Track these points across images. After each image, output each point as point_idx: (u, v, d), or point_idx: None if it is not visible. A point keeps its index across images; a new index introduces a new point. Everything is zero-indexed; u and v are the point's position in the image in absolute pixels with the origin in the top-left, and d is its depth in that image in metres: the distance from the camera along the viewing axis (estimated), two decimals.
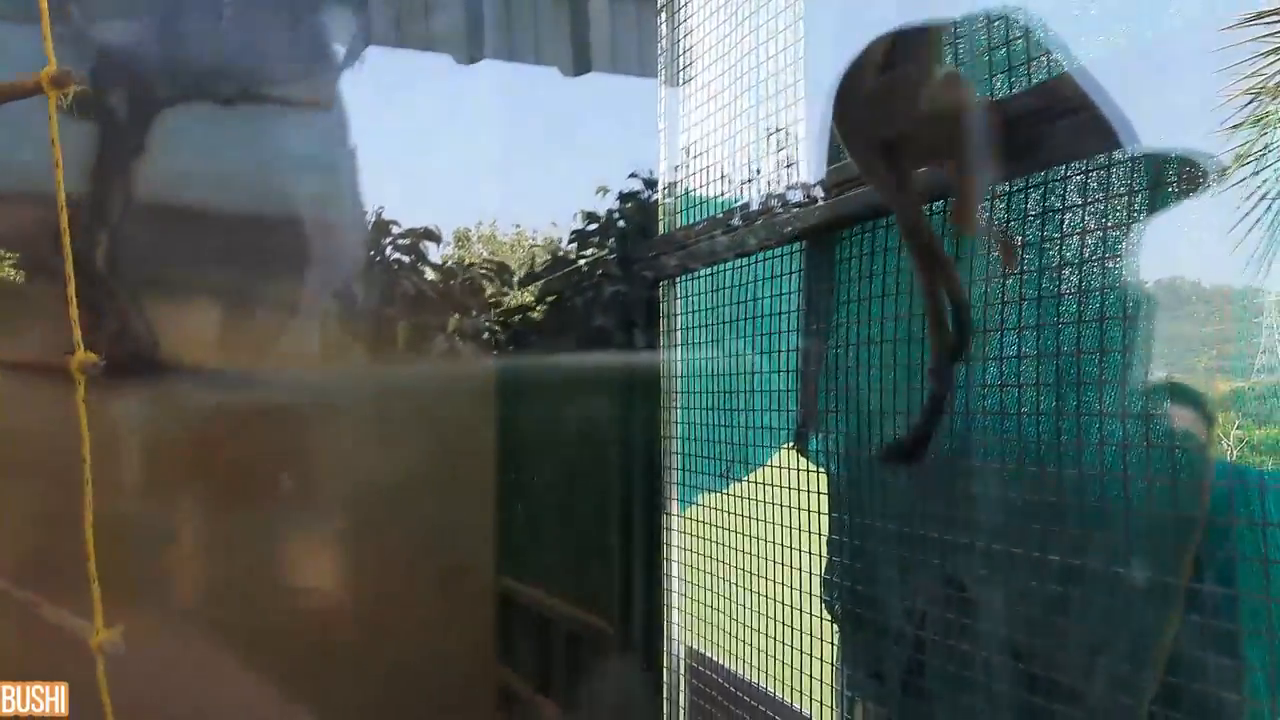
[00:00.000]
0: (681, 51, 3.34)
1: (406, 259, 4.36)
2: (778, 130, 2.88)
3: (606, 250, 4.55)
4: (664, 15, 3.46)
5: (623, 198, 4.54)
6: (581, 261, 4.62)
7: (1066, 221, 1.68)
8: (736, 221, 2.68)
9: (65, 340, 1.80)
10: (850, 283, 2.16)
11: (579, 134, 4.49)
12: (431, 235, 4.42)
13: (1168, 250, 1.70)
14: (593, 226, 4.66)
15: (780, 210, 2.64)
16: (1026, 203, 1.75)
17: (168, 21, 3.32)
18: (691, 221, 3.11)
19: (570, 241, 4.73)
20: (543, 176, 4.77)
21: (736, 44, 3.03)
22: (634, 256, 3.87)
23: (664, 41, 3.42)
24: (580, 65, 3.54)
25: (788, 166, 2.83)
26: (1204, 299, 2.24)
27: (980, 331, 1.79)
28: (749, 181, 3.00)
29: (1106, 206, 1.61)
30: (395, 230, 4.32)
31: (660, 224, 3.42)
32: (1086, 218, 1.65)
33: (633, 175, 4.42)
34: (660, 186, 3.46)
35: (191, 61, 3.34)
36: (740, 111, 3.06)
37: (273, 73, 3.47)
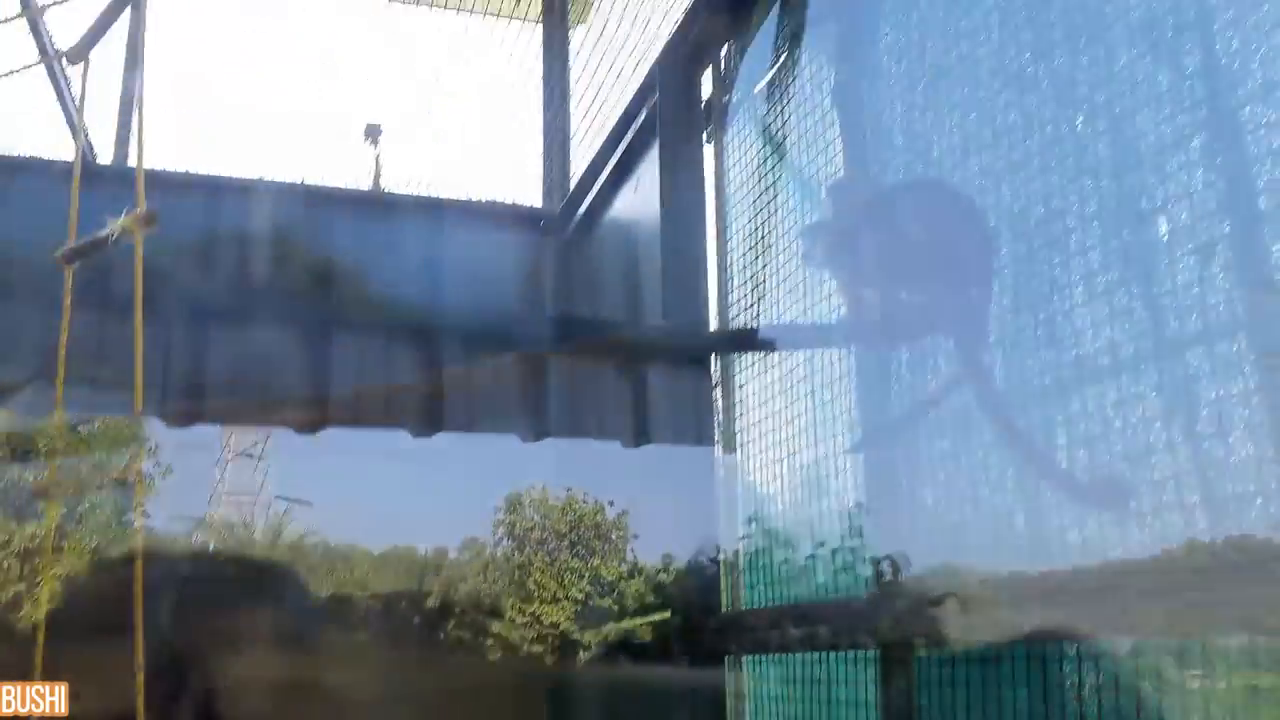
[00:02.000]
0: (738, 424, 3.41)
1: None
2: (837, 503, 2.86)
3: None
4: (719, 390, 3.57)
5: (686, 571, 4.49)
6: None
7: None
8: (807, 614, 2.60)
9: None
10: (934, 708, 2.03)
11: (639, 504, 4.53)
12: None
13: None
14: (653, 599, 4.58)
15: (850, 602, 2.56)
16: None
17: None
18: (758, 603, 3.02)
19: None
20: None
21: (792, 418, 3.09)
22: (698, 631, 3.76)
23: (720, 415, 3.51)
24: (640, 438, 3.65)
25: (850, 546, 2.78)
26: None
27: None
28: (813, 557, 2.94)
29: None
30: None
31: (724, 595, 3.33)
32: None
33: (696, 549, 4.39)
34: (723, 558, 3.41)
35: None
36: (797, 480, 3.06)
37: None
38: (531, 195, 5.39)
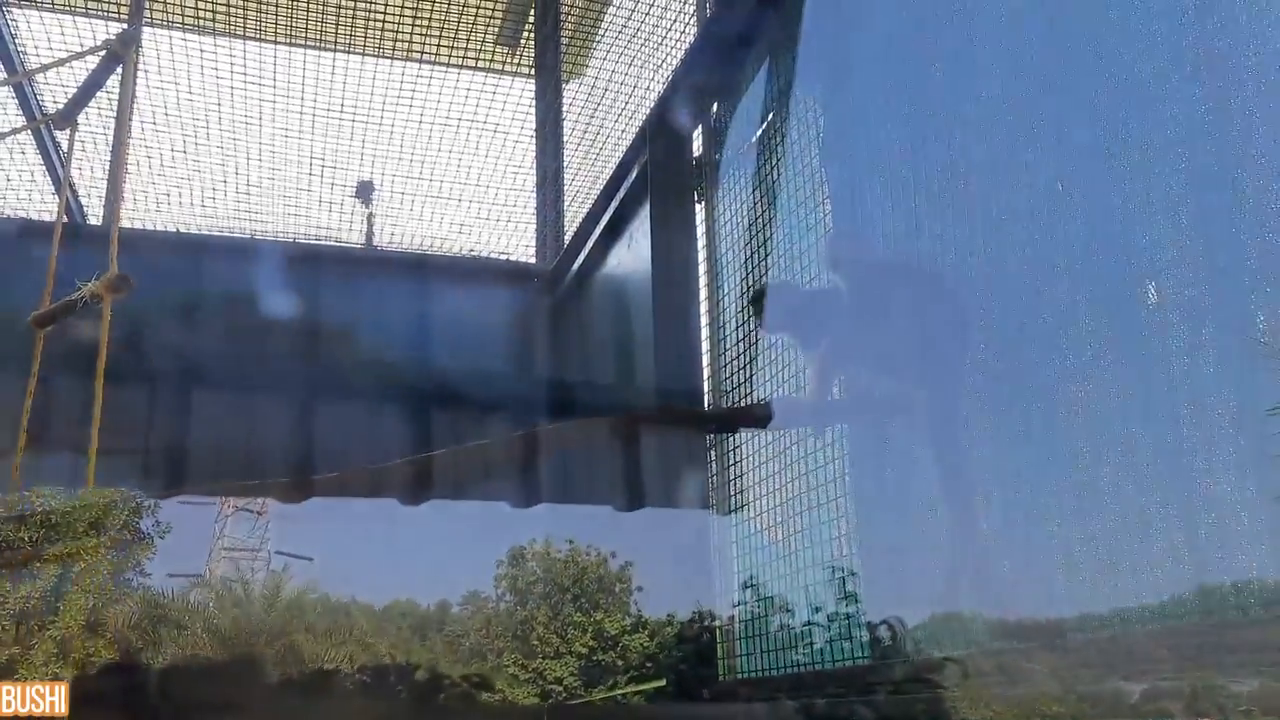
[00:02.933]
0: (733, 486, 3.35)
1: None
2: (832, 572, 2.79)
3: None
4: (713, 453, 3.51)
5: (681, 636, 4.39)
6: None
7: None
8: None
9: None
10: None
11: (633, 567, 4.45)
12: None
13: None
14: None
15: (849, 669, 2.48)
16: None
17: None
18: (752, 671, 2.93)
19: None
20: None
21: (786, 481, 3.03)
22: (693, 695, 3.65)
23: (715, 478, 3.45)
24: (634, 501, 3.58)
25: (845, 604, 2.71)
26: None
27: None
28: (809, 624, 2.86)
29: None
30: None
31: (720, 664, 3.24)
32: None
33: (692, 612, 4.30)
34: (718, 622, 3.32)
35: None
36: (794, 546, 2.99)
37: None
38: (525, 252, 5.38)
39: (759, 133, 3.46)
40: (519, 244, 5.42)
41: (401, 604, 16.76)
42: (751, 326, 3.30)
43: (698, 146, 3.93)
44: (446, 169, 5.26)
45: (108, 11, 4.35)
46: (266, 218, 4.80)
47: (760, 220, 3.39)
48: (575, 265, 4.87)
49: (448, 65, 5.12)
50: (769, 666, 2.99)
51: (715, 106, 3.86)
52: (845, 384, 2.65)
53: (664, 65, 4.03)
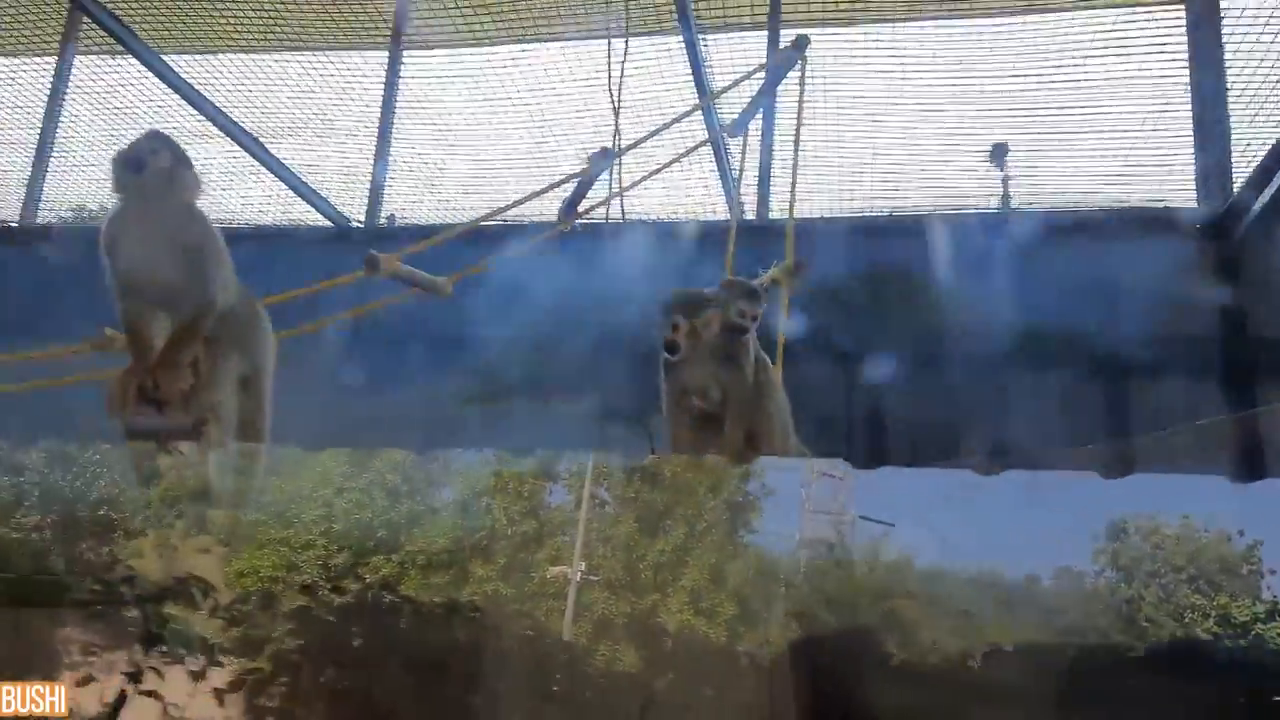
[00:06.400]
0: None
1: None
2: None
3: None
4: None
5: None
6: None
7: None
8: None
9: None
10: None
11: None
12: None
13: None
14: None
15: None
16: None
17: None
18: None
19: None
20: None
21: None
22: None
23: None
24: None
25: None
26: None
27: None
28: None
29: None
30: None
31: None
32: None
33: None
34: None
35: None
36: None
37: None
38: (1181, 198, 4.82)
39: None
40: (1172, 190, 4.89)
41: (986, 573, 16.37)
42: None
43: None
44: (1084, 117, 4.92)
45: (786, 21, 4.74)
46: (904, 193, 4.88)
47: None
48: (1256, 206, 4.25)
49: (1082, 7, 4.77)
50: None
51: None
52: None
53: None
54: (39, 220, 5.54)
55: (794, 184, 3.99)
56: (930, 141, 4.90)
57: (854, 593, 13.32)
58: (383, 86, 5.53)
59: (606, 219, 4.10)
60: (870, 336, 3.84)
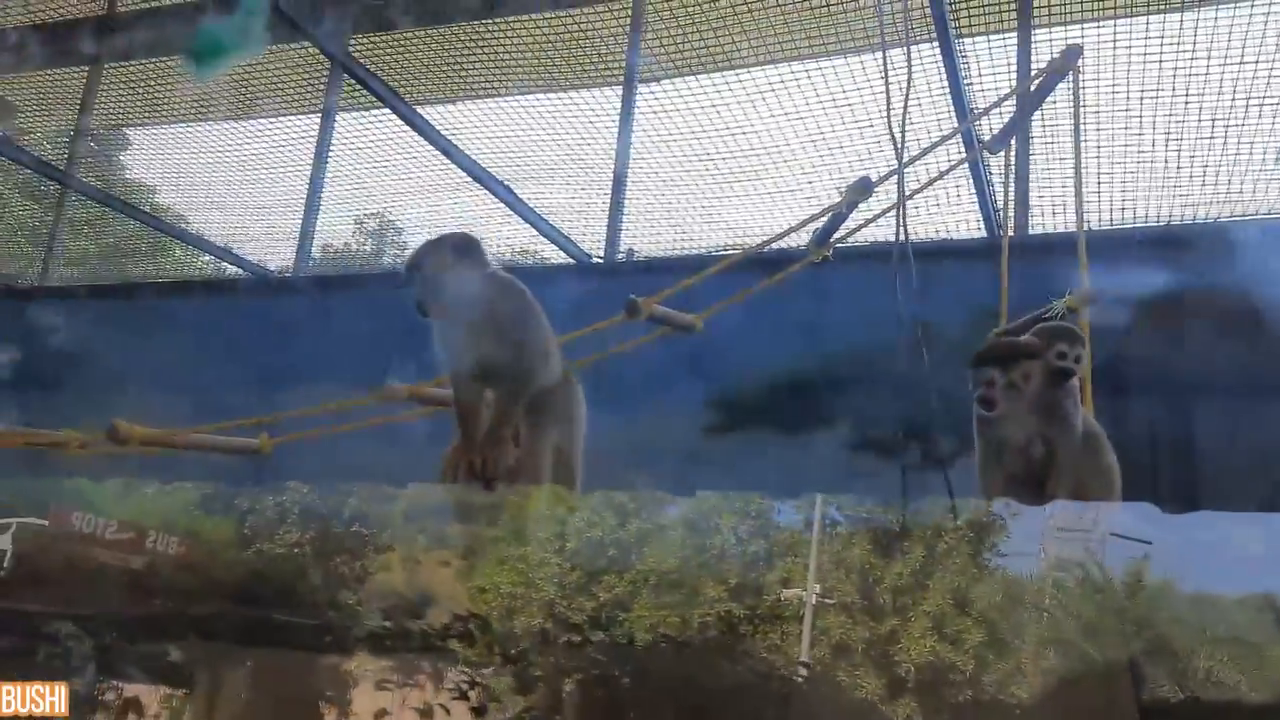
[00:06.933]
0: None
1: None
2: None
3: None
4: None
5: None
6: None
7: None
8: None
9: None
10: None
11: None
12: None
13: None
14: None
15: None
16: None
17: None
18: None
19: None
20: None
21: None
22: None
23: None
24: None
25: None
26: None
27: None
28: None
29: None
30: None
31: None
32: None
33: None
34: None
35: None
36: None
37: None
38: None
39: None
40: None
41: (1257, 598, 14.76)
42: None
43: None
44: None
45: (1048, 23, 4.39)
46: (1191, 201, 4.38)
47: None
48: None
49: None
50: None
51: None
52: None
53: None
54: (309, 270, 5.89)
55: (1079, 197, 3.65)
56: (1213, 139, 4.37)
57: (1116, 618, 12.29)
58: (617, 120, 5.55)
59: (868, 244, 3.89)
60: (1173, 365, 3.43)
